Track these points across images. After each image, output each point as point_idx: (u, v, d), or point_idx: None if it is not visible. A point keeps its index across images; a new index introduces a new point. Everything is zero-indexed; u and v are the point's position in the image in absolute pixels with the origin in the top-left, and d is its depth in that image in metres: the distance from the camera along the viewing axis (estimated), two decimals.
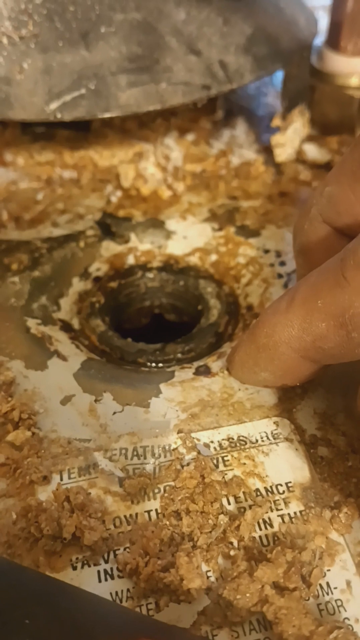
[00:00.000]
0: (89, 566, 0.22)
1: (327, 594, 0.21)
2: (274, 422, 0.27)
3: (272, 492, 0.24)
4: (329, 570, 0.22)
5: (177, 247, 0.37)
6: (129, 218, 0.39)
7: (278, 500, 0.24)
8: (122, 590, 0.22)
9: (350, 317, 0.21)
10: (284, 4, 0.40)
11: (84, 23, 0.33)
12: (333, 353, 0.22)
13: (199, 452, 0.25)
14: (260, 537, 0.23)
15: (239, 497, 0.24)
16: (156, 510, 0.24)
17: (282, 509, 0.24)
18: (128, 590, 0.22)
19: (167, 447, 0.26)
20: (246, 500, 0.24)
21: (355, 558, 0.22)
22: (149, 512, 0.24)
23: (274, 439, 0.26)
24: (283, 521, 0.23)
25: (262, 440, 0.26)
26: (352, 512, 0.23)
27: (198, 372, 0.29)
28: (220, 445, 0.26)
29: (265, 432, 0.26)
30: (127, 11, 0.34)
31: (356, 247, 0.21)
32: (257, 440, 0.26)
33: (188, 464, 0.25)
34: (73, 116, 0.33)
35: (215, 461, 0.25)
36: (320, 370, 0.25)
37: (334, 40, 0.41)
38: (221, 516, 0.23)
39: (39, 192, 0.40)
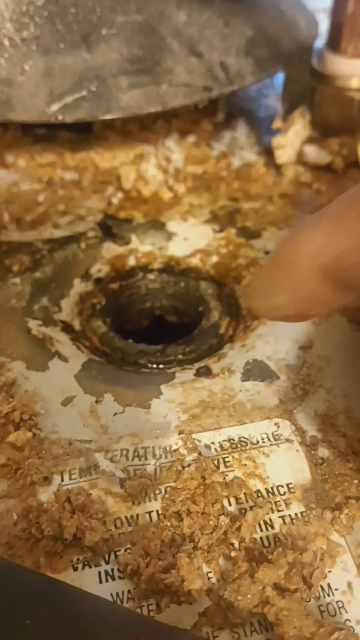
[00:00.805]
0: (90, 567, 0.22)
1: (328, 595, 0.21)
2: (275, 424, 0.27)
3: (273, 493, 0.24)
4: (330, 571, 0.22)
5: (178, 248, 0.37)
6: (129, 219, 0.39)
7: (279, 501, 0.24)
8: (122, 591, 0.22)
9: None
10: (285, 6, 0.40)
11: (85, 25, 0.33)
12: (355, 273, 0.21)
13: (199, 453, 0.25)
14: (261, 538, 0.23)
15: (240, 498, 0.24)
16: (157, 511, 0.24)
17: (283, 510, 0.24)
18: (129, 591, 0.22)
19: (168, 448, 0.26)
20: (247, 501, 0.24)
21: (356, 559, 0.22)
22: (149, 513, 0.24)
23: (275, 440, 0.26)
24: (284, 522, 0.23)
25: (263, 442, 0.26)
26: (353, 513, 0.23)
27: (199, 373, 0.29)
28: (221, 446, 0.26)
29: (266, 433, 0.26)
30: (128, 13, 0.34)
31: None
32: (257, 442, 0.26)
33: (189, 465, 0.25)
34: (74, 118, 0.33)
35: (216, 462, 0.25)
36: (337, 301, 0.23)
37: (334, 42, 0.41)
38: (222, 517, 0.23)
39: (40, 193, 0.40)
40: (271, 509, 0.24)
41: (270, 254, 0.24)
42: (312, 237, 0.21)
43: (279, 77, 0.45)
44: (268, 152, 0.42)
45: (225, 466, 0.25)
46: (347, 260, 0.20)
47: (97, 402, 0.28)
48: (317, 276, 0.21)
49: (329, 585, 0.22)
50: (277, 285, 0.23)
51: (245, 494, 0.24)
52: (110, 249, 0.37)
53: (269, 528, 0.23)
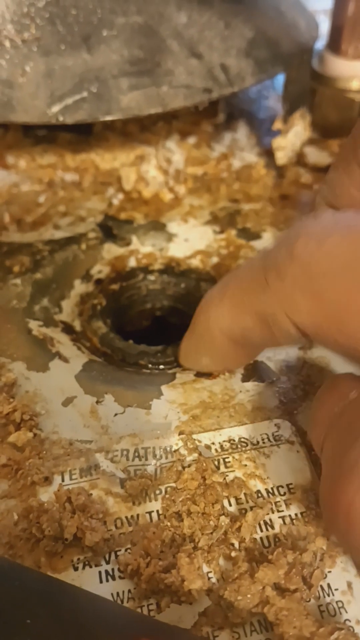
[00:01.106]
0: (90, 567, 0.22)
1: (328, 595, 0.22)
2: (275, 424, 0.27)
3: (273, 494, 0.24)
4: (329, 571, 0.22)
5: (178, 249, 0.37)
6: (130, 221, 0.39)
7: (279, 501, 0.24)
8: (123, 591, 0.22)
9: (270, 317, 0.22)
10: (285, 8, 0.40)
11: (85, 26, 0.33)
12: (260, 342, 0.25)
13: (200, 454, 0.25)
14: (261, 538, 0.23)
15: (240, 498, 0.24)
16: (157, 511, 0.24)
17: (283, 511, 0.24)
18: (129, 591, 0.22)
19: (168, 449, 0.26)
20: (247, 501, 0.24)
21: None
22: (150, 513, 0.24)
23: (275, 440, 0.26)
24: (284, 522, 0.23)
25: (263, 442, 0.26)
26: None
27: (199, 374, 0.30)
28: (221, 446, 0.26)
29: (266, 433, 0.26)
30: (129, 15, 0.34)
31: (275, 252, 0.22)
32: (258, 442, 0.26)
33: (189, 466, 0.25)
34: (75, 119, 0.33)
35: (216, 463, 0.25)
36: (248, 356, 0.28)
37: (334, 44, 0.41)
38: (222, 517, 0.23)
39: (40, 194, 0.40)
40: (271, 509, 0.24)
41: (191, 322, 0.28)
42: (220, 312, 0.25)
43: (279, 79, 0.46)
44: (268, 154, 0.42)
45: (226, 467, 0.25)
46: (250, 335, 0.24)
47: (97, 402, 0.28)
48: (228, 343, 0.25)
49: (328, 585, 0.22)
50: (200, 351, 0.28)
51: (245, 494, 0.24)
52: (111, 250, 0.37)
53: (269, 528, 0.23)
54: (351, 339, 0.20)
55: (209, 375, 0.29)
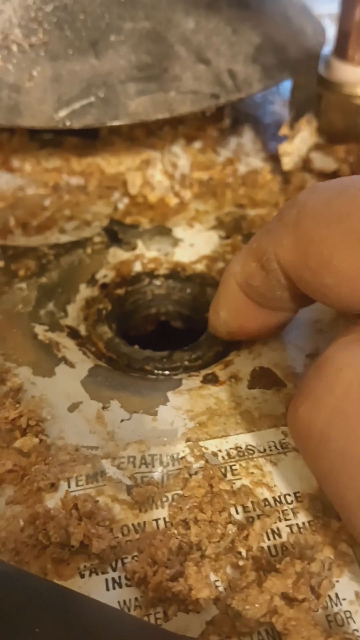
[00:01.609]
0: (97, 574, 0.22)
1: (336, 605, 0.21)
2: (282, 432, 0.27)
3: (281, 502, 0.24)
4: (337, 581, 0.22)
5: (184, 254, 0.37)
6: (136, 225, 0.39)
7: (286, 510, 0.24)
8: (130, 599, 0.22)
9: (264, 257, 0.24)
10: (292, 14, 0.40)
11: (93, 32, 0.33)
12: (260, 291, 0.26)
13: (207, 461, 0.25)
14: (268, 547, 0.23)
15: (247, 506, 0.24)
16: (164, 519, 0.24)
17: (290, 519, 0.24)
18: (136, 599, 0.22)
19: (175, 456, 0.26)
20: (254, 509, 0.24)
21: None
22: (157, 520, 0.24)
23: (282, 448, 0.26)
24: (291, 531, 0.23)
25: (271, 450, 0.26)
26: None
27: (205, 381, 0.29)
28: (228, 454, 0.26)
29: (273, 441, 0.26)
30: (137, 20, 0.34)
31: (285, 205, 0.24)
32: (265, 450, 0.26)
33: (196, 473, 0.25)
34: (82, 124, 0.33)
35: (223, 470, 0.25)
36: (258, 317, 0.28)
37: (341, 50, 0.41)
38: (229, 526, 0.23)
39: (46, 198, 0.40)
40: (278, 517, 0.24)
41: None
42: (234, 263, 0.27)
43: (286, 84, 0.46)
44: (274, 159, 0.42)
45: (233, 474, 0.25)
46: (252, 281, 0.26)
47: (103, 408, 0.28)
48: (239, 293, 0.27)
49: (336, 595, 0.22)
50: (219, 305, 0.29)
51: (252, 502, 0.24)
52: (116, 254, 0.37)
53: (276, 537, 0.23)
54: (323, 286, 0.22)
55: (215, 382, 0.29)
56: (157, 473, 0.25)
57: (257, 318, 0.28)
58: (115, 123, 0.33)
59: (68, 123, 0.33)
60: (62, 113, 0.33)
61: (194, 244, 0.38)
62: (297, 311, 0.28)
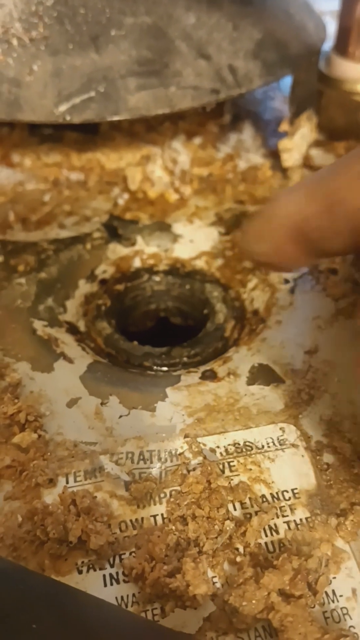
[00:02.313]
0: (95, 570, 0.22)
1: (333, 601, 0.21)
2: (280, 428, 0.27)
3: (278, 499, 0.24)
4: (334, 577, 0.22)
5: (183, 250, 0.37)
6: (135, 221, 0.39)
7: (284, 506, 0.24)
8: (127, 595, 0.22)
9: (335, 204, 0.22)
10: (293, 10, 0.40)
11: (94, 26, 0.33)
12: (316, 237, 0.24)
13: (205, 457, 0.25)
14: (266, 543, 0.23)
15: (245, 503, 0.24)
16: (162, 515, 0.24)
17: (288, 516, 0.24)
18: (133, 595, 0.22)
19: (173, 452, 0.26)
20: (252, 506, 0.24)
21: None
22: (154, 516, 0.24)
23: (280, 445, 0.26)
24: (289, 528, 0.23)
25: (268, 446, 0.26)
26: (358, 519, 0.23)
27: (204, 377, 0.30)
28: (226, 450, 0.26)
29: (271, 438, 0.26)
30: (138, 15, 0.34)
31: None
32: (263, 446, 0.26)
33: (194, 469, 0.25)
34: (82, 119, 0.33)
35: (221, 466, 0.25)
36: (300, 261, 0.26)
37: (342, 46, 0.41)
38: (227, 522, 0.23)
39: (46, 193, 0.40)
40: (276, 514, 0.24)
41: (261, 209, 0.27)
42: (289, 199, 0.24)
43: (286, 80, 0.45)
44: (274, 155, 0.42)
45: (231, 470, 0.25)
46: (311, 224, 0.23)
47: (102, 404, 0.28)
48: (286, 233, 0.24)
49: (333, 591, 0.22)
50: (260, 236, 0.26)
51: (250, 498, 0.24)
52: (116, 250, 0.37)
53: (274, 533, 0.23)
54: None
55: (214, 378, 0.29)
56: (155, 469, 0.25)
57: (297, 262, 0.26)
58: (116, 118, 0.33)
59: (68, 118, 0.33)
60: (62, 108, 0.33)
61: (193, 240, 0.38)
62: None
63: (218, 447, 0.26)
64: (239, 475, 0.25)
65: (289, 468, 0.25)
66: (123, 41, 0.33)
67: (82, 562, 0.22)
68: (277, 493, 0.24)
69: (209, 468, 0.24)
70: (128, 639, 0.19)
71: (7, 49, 0.33)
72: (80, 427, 0.27)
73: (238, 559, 0.22)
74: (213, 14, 0.35)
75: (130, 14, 0.33)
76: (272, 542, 0.23)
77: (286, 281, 0.34)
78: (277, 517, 0.24)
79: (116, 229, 0.38)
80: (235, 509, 0.24)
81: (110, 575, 0.22)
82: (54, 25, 0.33)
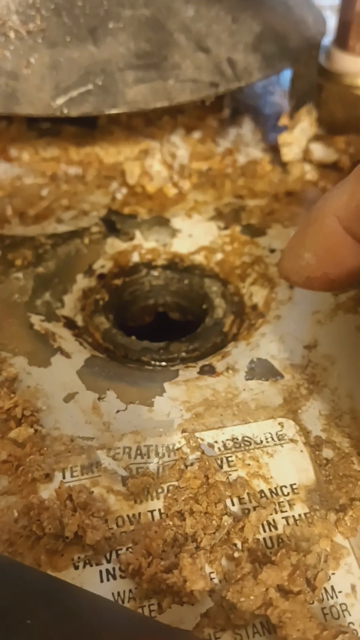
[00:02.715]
0: (91, 566, 0.22)
1: (332, 597, 0.21)
2: (279, 423, 0.26)
3: (277, 494, 0.24)
4: (333, 573, 0.22)
5: (182, 245, 0.37)
6: (134, 215, 0.38)
7: (282, 502, 0.24)
8: (124, 591, 0.21)
9: None
10: (293, 3, 0.40)
11: (92, 18, 0.33)
12: None
13: (203, 452, 0.25)
14: (264, 539, 0.23)
15: (243, 498, 0.24)
16: (159, 510, 0.24)
17: (286, 511, 0.24)
18: (130, 590, 0.21)
19: (171, 447, 0.25)
20: (250, 501, 0.24)
21: None
22: (152, 512, 0.24)
23: (279, 440, 0.26)
24: (288, 523, 0.23)
25: (267, 441, 0.26)
26: (358, 515, 0.23)
27: (202, 372, 0.29)
28: (224, 445, 0.26)
29: (270, 433, 0.26)
30: (136, 7, 0.33)
31: None
32: (261, 441, 0.26)
33: (192, 464, 0.25)
34: (80, 112, 0.33)
35: (219, 461, 0.25)
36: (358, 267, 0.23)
37: (342, 40, 0.41)
38: (225, 517, 0.23)
39: (43, 188, 0.40)
40: (275, 509, 0.24)
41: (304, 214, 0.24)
42: (338, 193, 0.22)
43: (286, 74, 0.45)
44: (274, 150, 0.42)
45: (229, 466, 0.25)
46: None
47: (99, 399, 0.28)
48: (340, 231, 0.22)
49: (332, 587, 0.21)
50: (304, 244, 0.24)
51: (248, 494, 0.24)
52: (114, 244, 0.37)
53: (272, 529, 0.23)
54: None
55: (212, 373, 0.29)
56: (153, 464, 0.25)
57: (350, 260, 0.23)
58: (114, 111, 0.33)
59: (66, 111, 0.33)
60: (60, 101, 0.33)
61: (192, 235, 0.37)
62: None
63: (216, 442, 0.26)
64: (237, 470, 0.25)
65: (287, 463, 0.25)
66: (121, 34, 0.33)
67: (79, 558, 0.22)
68: (275, 488, 0.24)
69: (207, 463, 0.24)
70: (124, 635, 0.18)
71: (4, 41, 0.33)
72: (77, 422, 0.27)
73: (236, 554, 0.22)
74: (212, 6, 0.35)
75: (129, 6, 0.33)
76: (270, 537, 0.23)
77: None
78: (276, 513, 0.23)
79: (114, 223, 0.38)
80: (233, 505, 0.24)
81: (107, 570, 0.22)
82: (51, 18, 0.33)
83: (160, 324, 0.38)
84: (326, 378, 0.28)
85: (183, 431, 0.26)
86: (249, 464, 0.25)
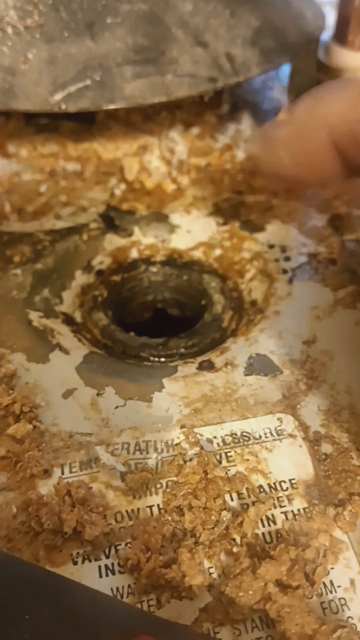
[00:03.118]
0: (90, 561, 0.22)
1: (331, 592, 0.21)
2: (278, 419, 0.26)
3: (276, 489, 0.24)
4: (332, 568, 0.22)
5: (181, 241, 0.37)
6: (132, 211, 0.38)
7: (281, 497, 0.24)
8: (123, 586, 0.21)
9: None
10: None
11: (89, 13, 0.33)
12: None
13: (201, 448, 0.25)
14: (263, 534, 0.23)
15: (242, 493, 0.24)
16: (158, 505, 0.24)
17: (285, 506, 0.23)
18: (129, 586, 0.21)
19: (169, 442, 0.25)
20: (249, 496, 0.24)
21: (359, 556, 0.22)
22: (150, 507, 0.24)
23: (278, 435, 0.26)
24: (286, 518, 0.23)
25: (266, 437, 0.26)
26: (356, 510, 0.23)
27: (201, 367, 0.29)
28: (223, 440, 0.26)
29: (268, 428, 0.26)
30: (134, 2, 0.33)
31: None
32: (260, 437, 0.26)
33: (191, 460, 0.25)
34: (78, 107, 0.33)
35: (218, 457, 0.25)
36: (336, 175, 0.22)
37: (341, 35, 0.41)
38: (224, 512, 0.23)
39: (42, 184, 0.40)
40: (273, 504, 0.24)
41: (290, 106, 0.23)
42: (335, 100, 0.21)
43: (284, 69, 0.45)
44: None
45: (228, 461, 0.25)
46: None
47: (98, 395, 0.28)
48: (325, 140, 0.21)
49: (331, 582, 0.21)
50: (287, 144, 0.22)
51: (247, 489, 0.24)
52: (113, 240, 0.37)
53: (271, 524, 0.23)
54: None
55: (211, 369, 0.29)
56: (152, 459, 0.25)
57: (331, 173, 0.22)
58: (112, 106, 0.33)
59: (63, 106, 0.32)
60: (58, 96, 0.32)
61: (191, 231, 0.37)
62: None
63: (215, 437, 0.26)
64: (236, 465, 0.25)
65: (286, 458, 0.25)
66: (119, 28, 0.33)
67: (77, 553, 0.22)
68: (274, 483, 0.24)
69: (206, 458, 0.24)
70: (123, 629, 0.18)
71: (1, 37, 0.33)
72: (76, 418, 0.27)
73: (235, 549, 0.22)
74: (210, 0, 0.35)
75: (126, 0, 0.33)
76: (269, 532, 0.23)
77: (284, 271, 0.34)
78: (275, 508, 0.23)
79: (113, 219, 0.38)
80: (232, 500, 0.24)
81: (106, 566, 0.22)
82: (49, 13, 0.33)
83: (159, 320, 0.38)
84: (325, 373, 0.28)
85: (182, 427, 0.26)
86: (247, 459, 0.25)
